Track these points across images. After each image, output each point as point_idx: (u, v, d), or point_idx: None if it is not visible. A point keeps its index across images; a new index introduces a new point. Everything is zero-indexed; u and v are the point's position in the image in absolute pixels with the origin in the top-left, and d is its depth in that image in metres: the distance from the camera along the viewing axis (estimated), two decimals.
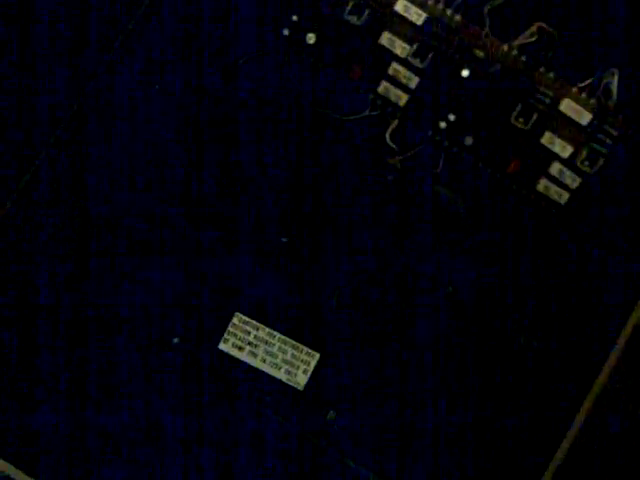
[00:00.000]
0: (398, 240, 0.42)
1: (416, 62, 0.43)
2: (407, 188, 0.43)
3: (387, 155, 0.44)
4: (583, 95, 0.42)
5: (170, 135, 0.43)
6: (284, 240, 0.42)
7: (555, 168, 0.43)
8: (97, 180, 0.42)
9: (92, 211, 0.42)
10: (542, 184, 0.43)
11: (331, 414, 0.40)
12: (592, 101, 0.42)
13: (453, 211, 0.42)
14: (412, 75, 0.44)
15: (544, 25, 0.43)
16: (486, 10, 0.43)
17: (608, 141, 0.42)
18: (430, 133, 0.44)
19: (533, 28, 0.43)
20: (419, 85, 0.44)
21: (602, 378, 0.39)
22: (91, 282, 0.41)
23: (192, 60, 0.44)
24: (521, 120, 0.42)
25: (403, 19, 0.43)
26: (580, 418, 0.39)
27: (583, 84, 0.43)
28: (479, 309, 0.41)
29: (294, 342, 0.41)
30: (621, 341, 0.40)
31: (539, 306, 0.41)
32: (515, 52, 0.43)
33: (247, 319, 0.41)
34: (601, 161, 0.42)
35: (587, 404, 0.39)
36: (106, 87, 0.43)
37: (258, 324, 0.41)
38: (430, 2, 0.43)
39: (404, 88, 0.44)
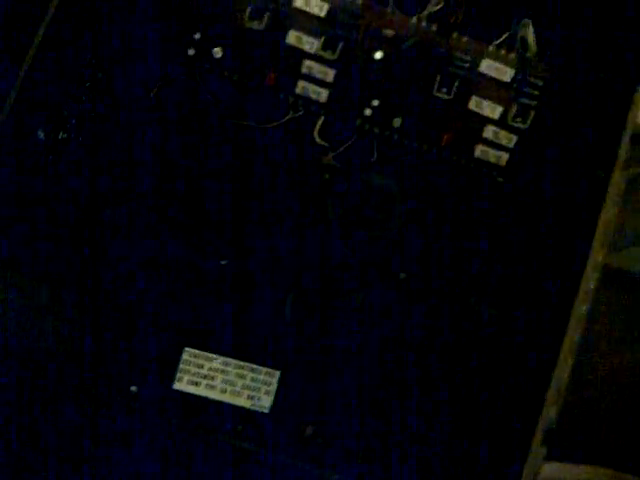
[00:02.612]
0: (344, 237, 0.41)
1: (328, 55, 0.42)
2: (346, 183, 0.42)
3: (320, 154, 0.44)
4: (501, 52, 0.41)
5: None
6: (223, 263, 0.41)
7: (489, 131, 0.42)
8: None
9: None
10: (479, 150, 0.42)
11: (309, 430, 0.40)
12: (512, 56, 0.41)
13: (389, 197, 0.41)
14: (327, 68, 0.42)
15: None
16: None
17: (535, 92, 0.41)
18: (358, 123, 0.43)
19: None
20: (336, 77, 0.43)
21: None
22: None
23: (102, 98, 0.43)
24: (444, 90, 0.41)
25: (305, 14, 0.42)
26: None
27: (499, 41, 0.42)
28: (434, 292, 0.40)
29: (251, 365, 0.41)
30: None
31: (495, 277, 0.40)
32: (424, 23, 0.42)
33: (198, 352, 0.40)
34: (532, 114, 0.41)
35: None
36: None
37: (210, 355, 0.41)
38: None
39: (322, 83, 0.43)
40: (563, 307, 0.39)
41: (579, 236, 0.40)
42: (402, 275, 0.40)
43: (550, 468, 0.78)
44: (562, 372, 0.39)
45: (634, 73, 0.40)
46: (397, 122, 0.42)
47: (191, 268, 0.41)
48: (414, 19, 0.41)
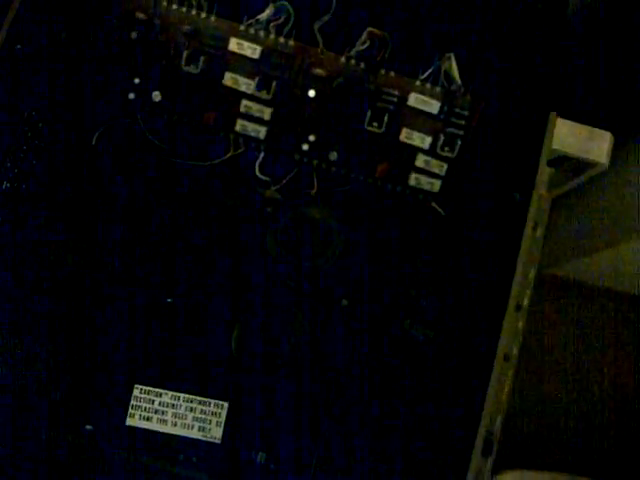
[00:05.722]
0: (288, 268, 0.43)
1: (263, 94, 0.44)
2: (287, 216, 0.44)
3: (262, 188, 0.45)
4: (427, 86, 0.44)
5: None
6: (169, 300, 0.42)
7: (420, 160, 0.44)
8: None
9: None
10: (413, 178, 0.44)
11: (261, 456, 0.41)
12: (437, 89, 0.44)
13: (328, 229, 0.43)
14: (264, 107, 0.44)
15: (374, 30, 0.44)
16: (316, 28, 0.45)
17: (461, 122, 0.44)
18: (297, 157, 0.45)
19: (364, 35, 0.44)
20: (273, 115, 0.44)
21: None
22: None
23: (44, 147, 0.44)
24: (375, 124, 0.44)
25: (240, 56, 0.44)
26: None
27: (424, 75, 0.44)
28: (376, 316, 0.42)
29: (200, 398, 0.42)
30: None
31: (431, 299, 0.42)
32: (353, 62, 0.44)
33: (148, 388, 0.41)
34: (459, 143, 0.44)
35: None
36: None
37: (160, 390, 0.41)
38: (261, 34, 0.44)
39: (260, 121, 0.45)
40: (495, 324, 0.41)
41: (506, 256, 0.42)
42: (344, 302, 0.42)
43: (512, 476, 0.80)
44: (500, 385, 0.41)
45: (548, 101, 0.42)
46: (333, 155, 0.44)
47: (137, 305, 0.42)
48: (343, 58, 0.44)
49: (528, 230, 0.40)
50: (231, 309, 0.42)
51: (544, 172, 0.40)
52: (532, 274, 0.41)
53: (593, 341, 0.87)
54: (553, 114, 0.40)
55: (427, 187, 0.44)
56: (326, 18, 0.45)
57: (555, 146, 0.39)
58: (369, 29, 0.44)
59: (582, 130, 0.38)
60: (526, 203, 0.40)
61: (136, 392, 0.41)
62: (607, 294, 0.86)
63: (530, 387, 0.85)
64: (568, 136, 0.38)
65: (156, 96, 0.44)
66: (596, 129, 0.38)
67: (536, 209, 0.41)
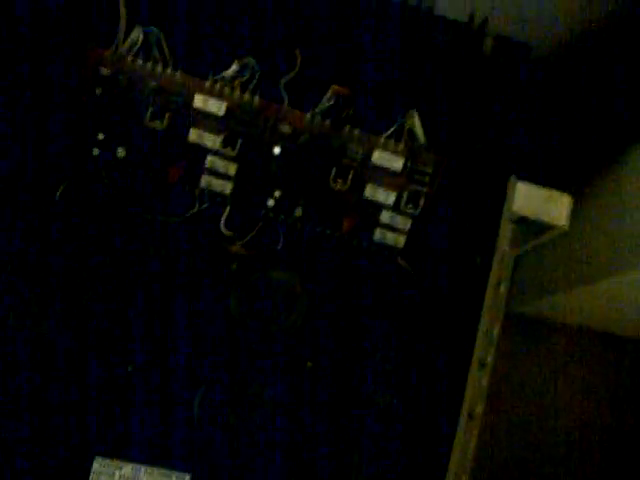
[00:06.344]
0: (250, 331, 0.43)
1: (228, 151, 0.44)
2: (252, 273, 0.44)
3: (228, 244, 0.45)
4: (391, 142, 0.44)
5: None
6: (130, 369, 0.42)
7: (385, 216, 0.45)
8: None
9: None
10: (378, 233, 0.45)
11: None
12: (401, 146, 0.44)
13: (292, 291, 0.43)
14: (229, 163, 0.44)
15: (338, 87, 0.45)
16: (282, 84, 0.45)
17: (425, 179, 0.44)
18: (262, 213, 0.45)
19: (329, 92, 0.45)
20: (239, 171, 0.45)
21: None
22: None
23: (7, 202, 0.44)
24: (340, 181, 0.44)
25: (205, 113, 0.44)
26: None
27: (388, 132, 0.45)
28: (339, 378, 0.42)
29: (161, 470, 0.41)
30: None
31: (396, 357, 0.42)
32: (318, 118, 0.44)
33: (108, 461, 0.41)
34: (422, 200, 0.44)
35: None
36: None
37: (120, 462, 0.41)
38: (227, 90, 0.44)
39: (225, 177, 0.45)
40: (459, 382, 0.41)
41: (470, 313, 0.42)
42: (309, 364, 0.42)
43: None
44: (466, 444, 0.41)
45: (509, 163, 0.43)
46: (299, 211, 0.44)
47: (97, 375, 0.41)
48: (308, 115, 0.44)
49: (491, 288, 0.41)
50: (193, 374, 0.41)
51: (506, 230, 0.41)
52: (496, 331, 0.42)
53: (562, 378, 0.88)
54: (513, 177, 0.40)
55: (392, 243, 0.45)
56: (291, 75, 0.45)
57: (515, 209, 0.39)
58: (334, 86, 0.45)
59: (541, 193, 0.39)
60: (489, 261, 0.41)
61: (96, 465, 0.40)
62: (578, 332, 0.87)
63: (498, 421, 0.86)
64: (527, 199, 0.39)
65: (120, 152, 0.44)
66: (555, 192, 0.38)
67: (499, 266, 0.41)
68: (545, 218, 0.38)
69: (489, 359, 0.42)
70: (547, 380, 0.88)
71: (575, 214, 0.41)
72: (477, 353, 0.40)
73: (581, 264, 0.68)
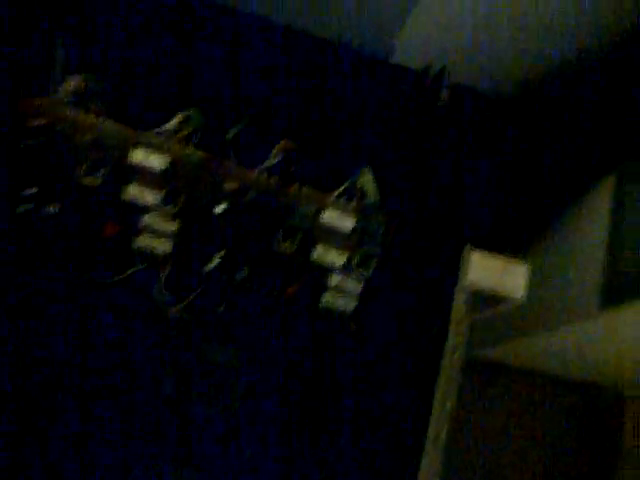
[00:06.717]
0: (188, 411, 0.40)
1: (170, 208, 0.41)
2: (190, 339, 0.41)
3: (166, 307, 0.42)
4: (342, 201, 0.42)
5: None
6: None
7: (334, 279, 0.42)
8: None
9: None
10: (327, 298, 0.42)
11: None
12: (352, 205, 0.42)
13: (230, 370, 0.40)
14: (170, 221, 0.42)
15: (288, 143, 0.43)
16: (228, 138, 0.43)
17: (377, 240, 0.42)
18: (204, 274, 0.42)
19: (278, 148, 0.43)
20: (180, 229, 0.42)
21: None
22: None
23: None
24: (286, 244, 0.42)
25: (145, 168, 0.41)
26: None
27: (339, 190, 0.43)
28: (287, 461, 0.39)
29: None
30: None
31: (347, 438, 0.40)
32: (265, 175, 0.42)
33: None
34: (374, 262, 0.42)
35: None
36: None
37: None
38: (168, 144, 0.41)
39: (166, 235, 0.42)
40: (413, 457, 0.38)
41: (424, 382, 0.40)
42: (248, 454, 0.39)
43: None
44: None
45: (464, 232, 0.41)
46: (242, 274, 0.42)
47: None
48: (255, 172, 0.42)
49: (446, 359, 0.38)
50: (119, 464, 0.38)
51: (461, 299, 0.39)
52: (450, 403, 0.39)
53: (523, 422, 0.87)
54: (468, 246, 0.38)
55: (341, 307, 0.42)
56: (238, 128, 0.43)
57: (470, 281, 0.37)
58: (283, 141, 0.42)
59: (497, 263, 0.37)
60: (444, 330, 0.39)
61: None
62: (540, 377, 0.87)
63: (462, 463, 0.85)
64: (483, 270, 0.37)
65: (52, 209, 0.41)
66: (511, 262, 0.37)
67: (454, 335, 0.39)
68: (501, 291, 0.36)
69: (443, 434, 0.40)
70: (507, 424, 0.87)
71: (530, 267, 0.39)
72: (432, 427, 0.38)
73: (536, 313, 0.68)
